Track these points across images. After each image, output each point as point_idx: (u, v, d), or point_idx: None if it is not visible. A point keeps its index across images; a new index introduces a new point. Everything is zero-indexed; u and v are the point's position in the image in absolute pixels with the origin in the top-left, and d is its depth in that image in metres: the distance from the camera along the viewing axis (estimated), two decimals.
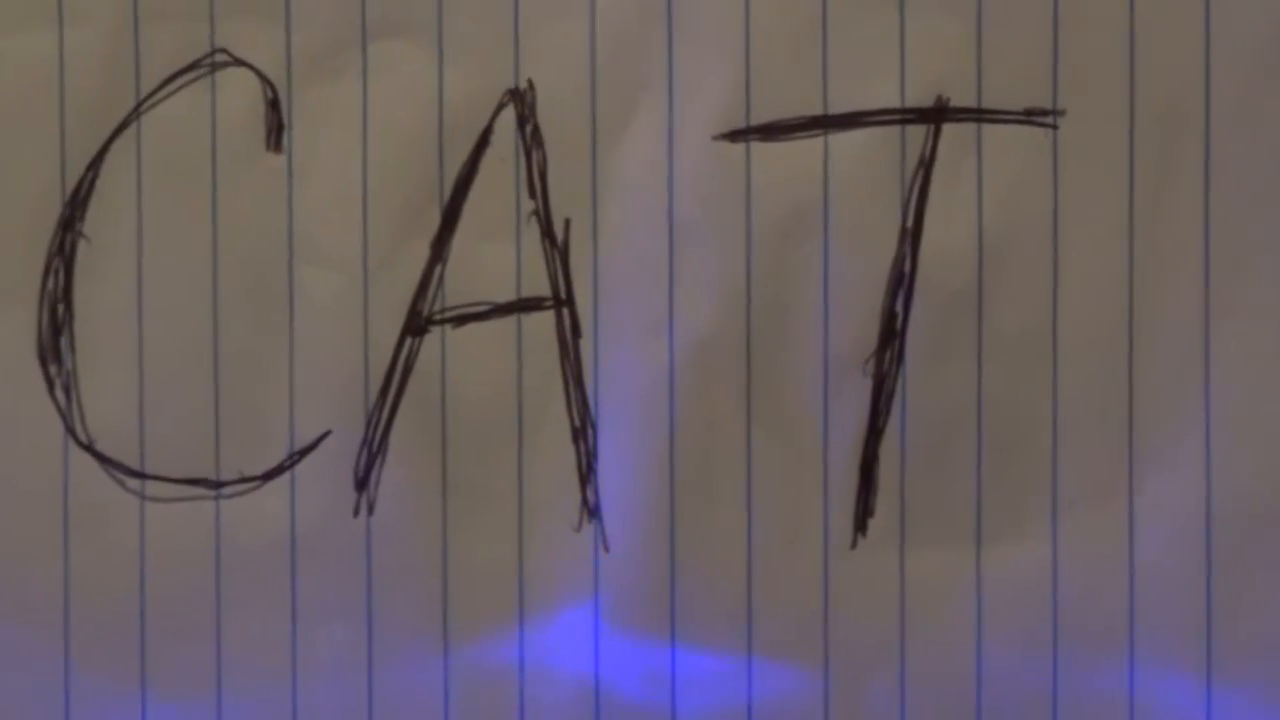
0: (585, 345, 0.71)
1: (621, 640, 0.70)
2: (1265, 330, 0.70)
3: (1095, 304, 0.70)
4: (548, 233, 0.71)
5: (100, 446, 0.72)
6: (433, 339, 0.71)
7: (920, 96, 0.70)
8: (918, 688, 0.70)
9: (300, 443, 0.72)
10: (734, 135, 0.70)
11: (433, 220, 0.71)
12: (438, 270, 0.71)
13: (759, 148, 0.70)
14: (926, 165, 0.70)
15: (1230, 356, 0.70)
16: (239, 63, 0.71)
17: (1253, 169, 0.69)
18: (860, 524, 0.71)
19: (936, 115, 0.70)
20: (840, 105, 0.70)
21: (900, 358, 0.70)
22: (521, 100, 0.71)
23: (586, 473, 0.71)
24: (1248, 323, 0.70)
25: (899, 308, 0.70)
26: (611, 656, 0.71)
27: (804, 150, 0.70)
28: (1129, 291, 0.70)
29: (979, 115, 0.70)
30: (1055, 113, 0.70)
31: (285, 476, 0.72)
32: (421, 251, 0.71)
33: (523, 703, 0.71)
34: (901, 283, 0.70)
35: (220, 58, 0.72)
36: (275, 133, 0.72)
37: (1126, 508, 0.70)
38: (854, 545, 0.71)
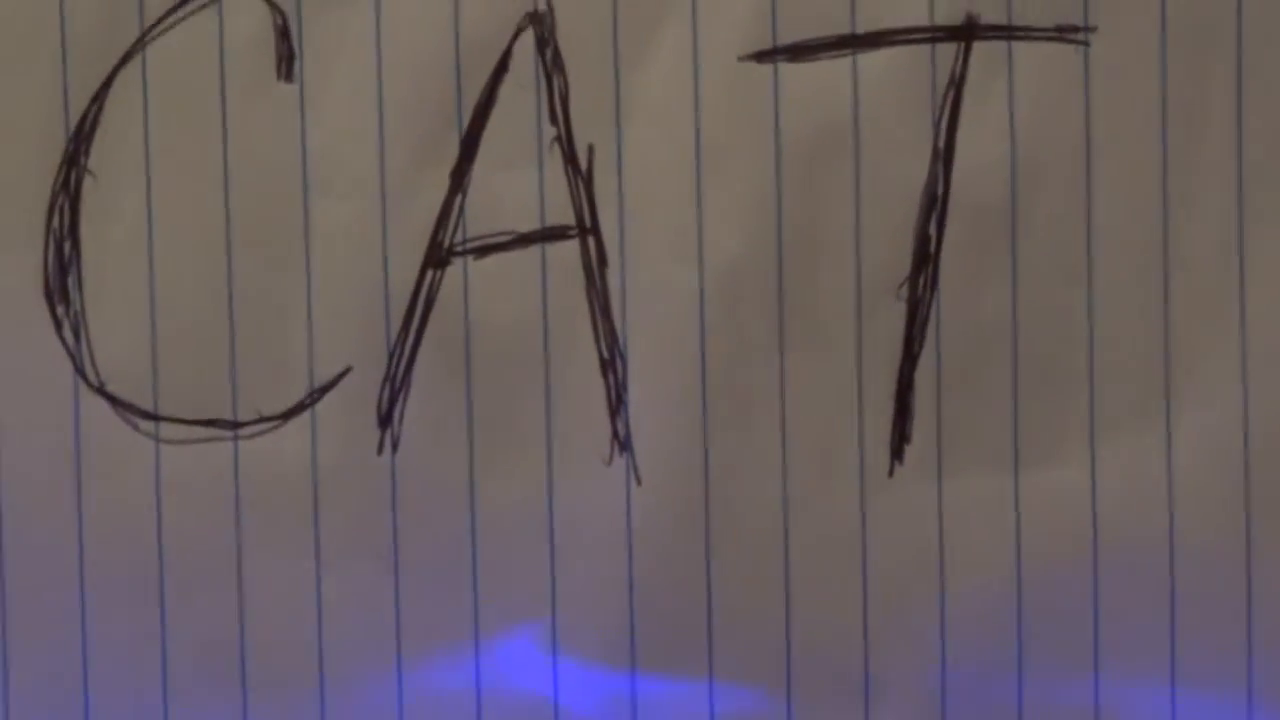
0: (612, 274, 0.69)
1: (654, 592, 0.69)
2: None
3: (1130, 222, 0.69)
4: (570, 160, 0.69)
5: (112, 388, 0.70)
6: (454, 271, 0.70)
7: (950, 14, 0.68)
8: (957, 616, 0.69)
9: (320, 380, 0.70)
10: (760, 56, 0.69)
11: (451, 149, 0.69)
12: (458, 200, 0.70)
13: (786, 68, 0.69)
14: (957, 84, 0.69)
15: (1265, 276, 0.69)
16: None
17: None
18: (897, 452, 0.69)
19: (966, 33, 0.69)
20: (868, 24, 0.69)
21: (934, 281, 0.69)
22: (541, 23, 0.69)
23: (616, 405, 0.70)
24: None
25: (932, 229, 0.69)
26: (645, 612, 0.69)
27: (832, 70, 0.69)
28: (1163, 209, 0.69)
29: (1010, 33, 0.69)
30: (1087, 29, 0.68)
31: (305, 415, 0.70)
32: (441, 181, 0.69)
33: (555, 649, 0.70)
34: (934, 204, 0.69)
35: None
36: (285, 62, 0.70)
37: (1164, 429, 0.69)
38: (891, 473, 0.69)
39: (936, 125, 0.69)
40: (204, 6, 0.69)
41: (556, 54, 0.69)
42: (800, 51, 0.69)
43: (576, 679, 0.70)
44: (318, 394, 0.70)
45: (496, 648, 0.70)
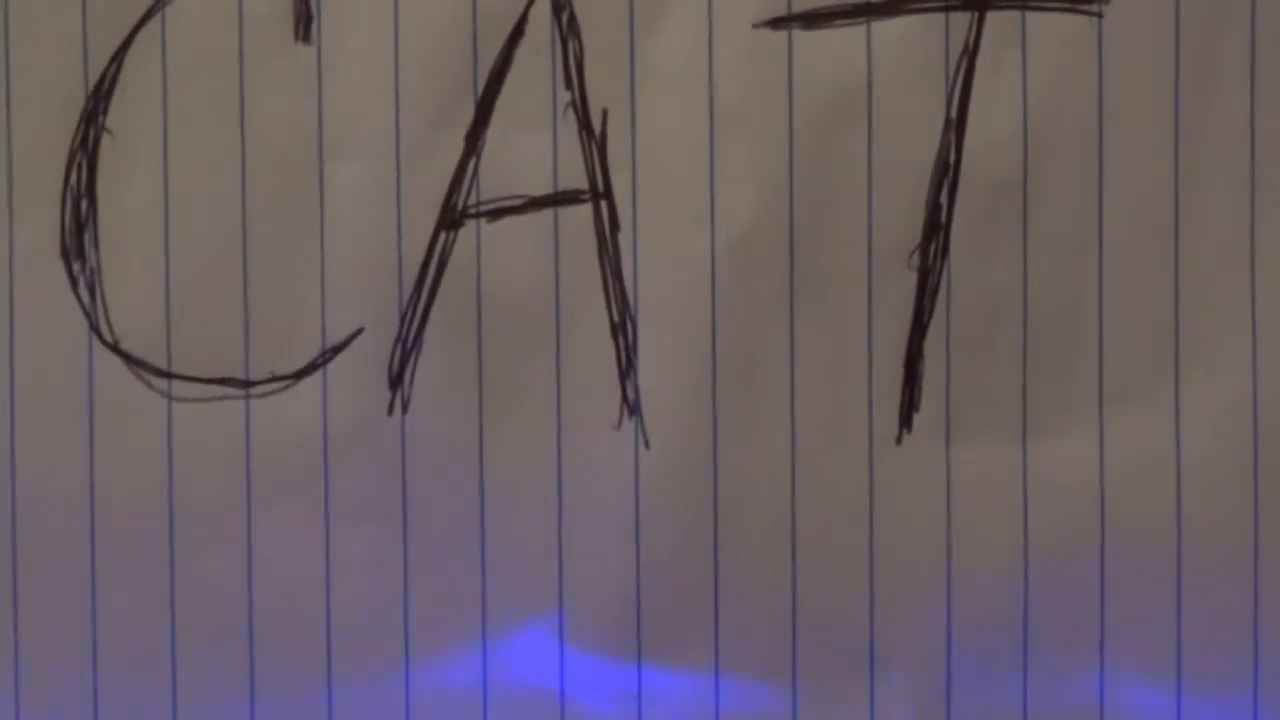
0: (624, 239, 0.70)
1: (660, 557, 0.69)
2: None
3: (1141, 195, 0.69)
4: (585, 124, 0.70)
5: (126, 345, 0.70)
6: (467, 233, 0.70)
7: None
8: (963, 585, 0.69)
9: (332, 340, 0.70)
10: (775, 23, 0.69)
11: (466, 112, 0.70)
12: (472, 163, 0.70)
13: (801, 35, 0.69)
14: (970, 54, 0.69)
15: (1276, 247, 0.69)
16: None
17: None
18: (905, 419, 0.69)
19: (980, 3, 0.69)
20: None
21: (945, 251, 0.69)
22: None
23: (626, 369, 0.70)
24: None
25: (944, 199, 0.69)
26: (651, 575, 0.69)
27: (846, 38, 0.69)
28: (1175, 182, 0.69)
29: (1023, 3, 0.69)
30: (1101, 0, 0.69)
31: (317, 375, 0.70)
32: (455, 144, 0.70)
33: (562, 612, 0.70)
34: (946, 174, 0.69)
35: None
36: (303, 23, 0.70)
37: (1173, 400, 0.69)
38: (899, 441, 0.70)
39: (949, 95, 0.69)
40: None
41: (572, 19, 0.69)
42: (815, 19, 0.69)
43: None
44: (330, 354, 0.70)
45: (504, 621, 0.70)
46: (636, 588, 0.70)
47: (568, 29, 0.69)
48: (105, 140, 0.70)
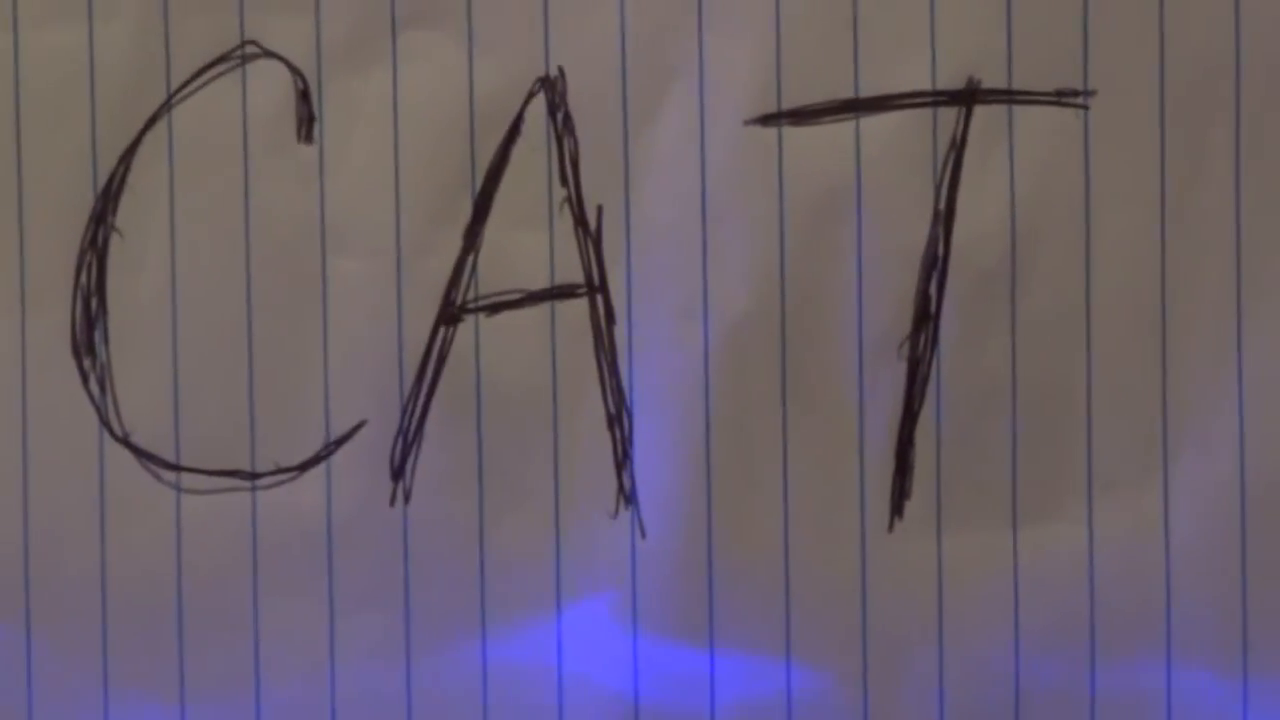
0: (619, 331, 0.71)
1: (657, 639, 0.70)
2: None
3: (1128, 284, 0.70)
4: (580, 220, 0.71)
5: (135, 439, 0.72)
6: (467, 327, 0.72)
7: (951, 78, 0.70)
8: (956, 670, 0.70)
9: (336, 433, 0.72)
10: (765, 120, 0.70)
11: (465, 209, 0.71)
12: (470, 259, 0.71)
13: (790, 132, 0.70)
14: (958, 147, 0.70)
15: (1262, 336, 0.70)
16: (269, 54, 0.72)
17: None
18: (897, 507, 0.71)
19: (968, 97, 0.70)
20: (871, 88, 0.70)
21: (935, 340, 0.70)
22: (552, 88, 0.71)
23: (622, 459, 0.71)
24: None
25: (933, 290, 0.70)
26: (648, 657, 0.71)
27: (836, 134, 0.70)
28: (1161, 271, 0.70)
29: (1010, 97, 0.70)
30: (1086, 93, 0.70)
31: (321, 467, 0.72)
32: (454, 240, 0.71)
33: (561, 694, 0.71)
34: (935, 265, 0.70)
35: (250, 49, 0.72)
36: (306, 124, 0.72)
37: (1161, 488, 0.70)
38: (891, 528, 0.71)
39: (938, 187, 0.70)
40: (228, 71, 0.72)
41: (567, 117, 0.71)
42: (804, 116, 0.70)
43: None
44: (333, 446, 0.72)
45: (504, 710, 0.72)
46: (634, 673, 0.71)
47: (563, 127, 0.71)
48: (114, 240, 0.72)
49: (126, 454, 0.72)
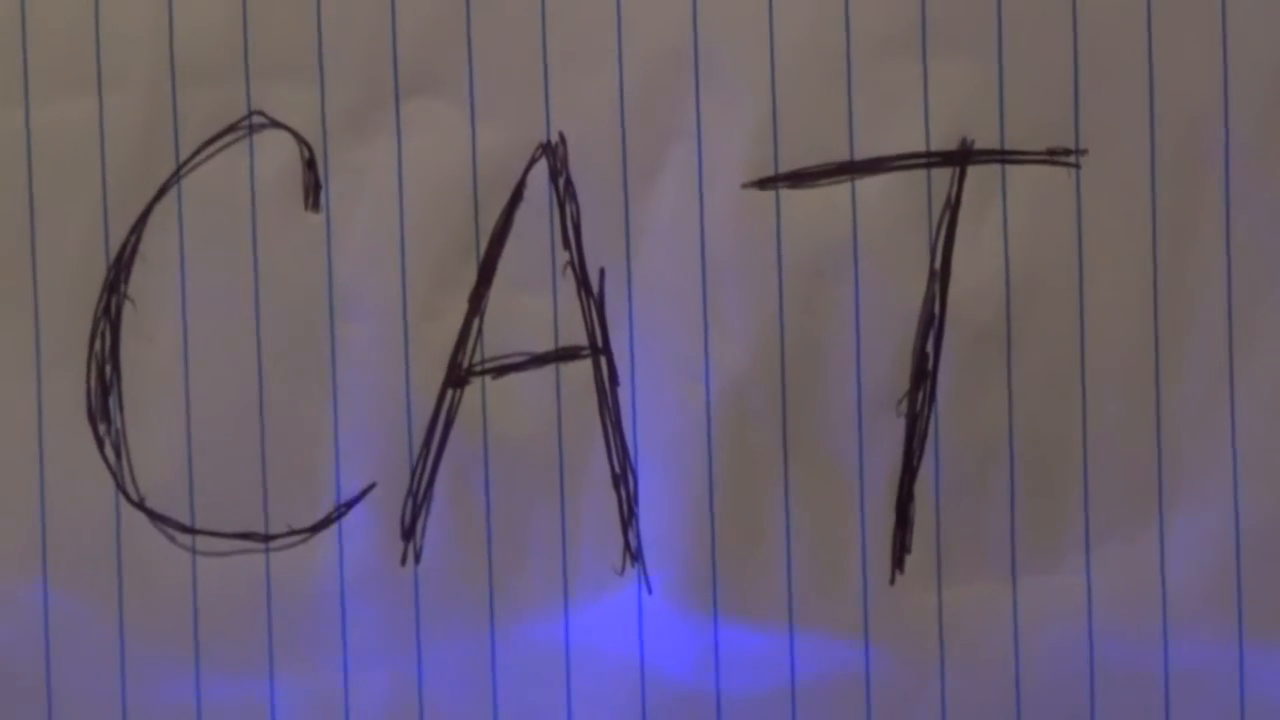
0: (623, 392, 0.73)
1: (665, 691, 0.72)
2: None
3: (1121, 338, 0.71)
4: (583, 283, 0.72)
5: (151, 503, 0.74)
6: (473, 390, 0.73)
7: (944, 139, 0.71)
8: (957, 717, 0.72)
9: (347, 495, 0.73)
10: (763, 183, 0.72)
11: (469, 274, 0.73)
12: (476, 322, 0.73)
13: (787, 194, 0.72)
14: (952, 207, 0.71)
15: (1254, 387, 0.71)
16: (275, 124, 0.73)
17: (1273, 203, 0.71)
18: (898, 561, 0.72)
19: (961, 158, 0.71)
20: (866, 151, 0.71)
21: (932, 397, 0.72)
22: (553, 153, 0.72)
23: (628, 516, 0.73)
24: (1271, 354, 0.71)
25: (930, 348, 0.72)
26: (656, 709, 0.72)
27: (832, 196, 0.72)
28: (1154, 325, 0.71)
29: (1003, 156, 0.71)
30: (1078, 152, 0.71)
31: (333, 528, 0.73)
32: (460, 304, 0.73)
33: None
34: (931, 323, 0.71)
35: (257, 120, 0.73)
36: (313, 192, 0.73)
37: (1157, 538, 0.71)
38: (892, 582, 0.72)
39: (933, 247, 0.72)
40: (236, 141, 0.73)
41: (569, 183, 0.72)
42: (801, 178, 0.72)
43: None
44: (344, 508, 0.73)
45: None
46: None
47: (564, 192, 0.72)
48: (127, 308, 0.73)
49: (142, 517, 0.74)
